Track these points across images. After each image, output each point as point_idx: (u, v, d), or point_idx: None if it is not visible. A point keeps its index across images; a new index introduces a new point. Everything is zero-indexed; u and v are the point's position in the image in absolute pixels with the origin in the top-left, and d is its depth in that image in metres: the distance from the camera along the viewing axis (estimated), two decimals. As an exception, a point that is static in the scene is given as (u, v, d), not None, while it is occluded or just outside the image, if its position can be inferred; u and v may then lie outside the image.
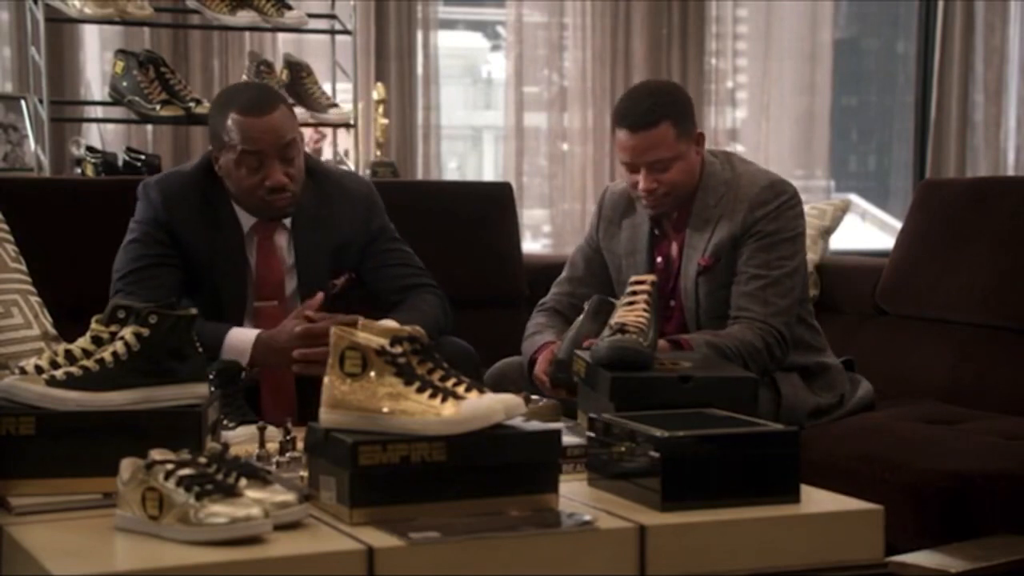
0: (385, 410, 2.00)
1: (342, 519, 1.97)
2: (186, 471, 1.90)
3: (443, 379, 2.04)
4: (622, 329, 2.64)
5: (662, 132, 3.04)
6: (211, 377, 2.42)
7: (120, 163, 4.47)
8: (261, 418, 2.80)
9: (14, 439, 2.11)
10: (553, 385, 2.95)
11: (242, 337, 2.91)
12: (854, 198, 6.45)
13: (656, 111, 3.04)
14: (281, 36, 5.13)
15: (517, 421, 2.08)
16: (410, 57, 5.45)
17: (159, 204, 3.02)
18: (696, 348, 2.93)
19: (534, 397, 2.70)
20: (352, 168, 4.61)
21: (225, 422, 2.55)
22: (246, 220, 3.05)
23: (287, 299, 3.06)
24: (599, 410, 2.34)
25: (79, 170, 4.48)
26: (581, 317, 2.89)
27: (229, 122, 2.93)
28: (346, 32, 4.71)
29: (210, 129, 3.02)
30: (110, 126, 4.90)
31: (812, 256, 3.95)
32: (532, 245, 5.67)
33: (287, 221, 3.07)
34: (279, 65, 4.63)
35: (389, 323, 2.10)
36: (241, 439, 2.50)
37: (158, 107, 4.25)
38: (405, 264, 3.17)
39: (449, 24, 5.92)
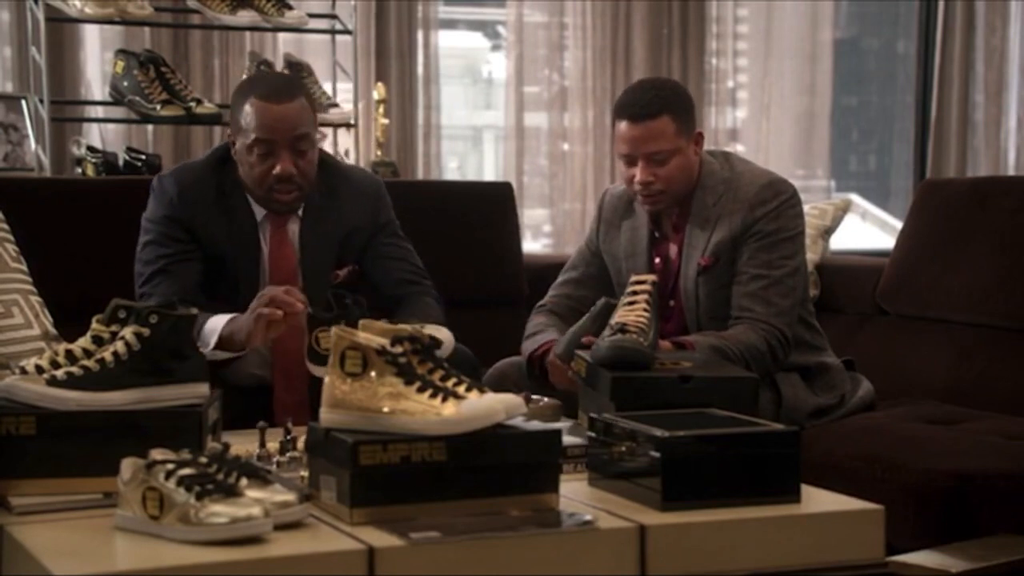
0: (386, 410, 2.00)
1: (342, 519, 1.97)
2: (186, 471, 1.90)
3: (444, 379, 2.04)
4: (622, 329, 2.64)
5: (662, 124, 3.04)
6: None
7: (121, 163, 4.47)
8: (274, 416, 2.82)
9: (14, 439, 2.11)
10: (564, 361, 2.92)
11: (221, 317, 2.90)
12: (854, 198, 6.44)
13: (658, 103, 3.04)
14: (281, 36, 5.12)
15: (517, 421, 2.08)
16: (410, 57, 5.44)
17: (175, 195, 3.04)
18: (699, 350, 2.93)
19: (535, 397, 2.71)
20: (353, 168, 4.62)
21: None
22: (259, 209, 3.08)
23: (298, 287, 3.09)
24: (599, 410, 2.34)
25: (79, 170, 4.48)
26: (584, 317, 2.89)
27: (247, 106, 2.96)
28: (346, 32, 4.71)
29: (231, 112, 3.06)
30: (110, 126, 4.89)
31: (812, 256, 3.95)
32: (532, 245, 5.67)
33: (299, 210, 3.09)
34: (279, 65, 4.63)
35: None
36: None
37: (158, 107, 4.26)
38: (404, 260, 3.20)
39: (449, 24, 5.91)
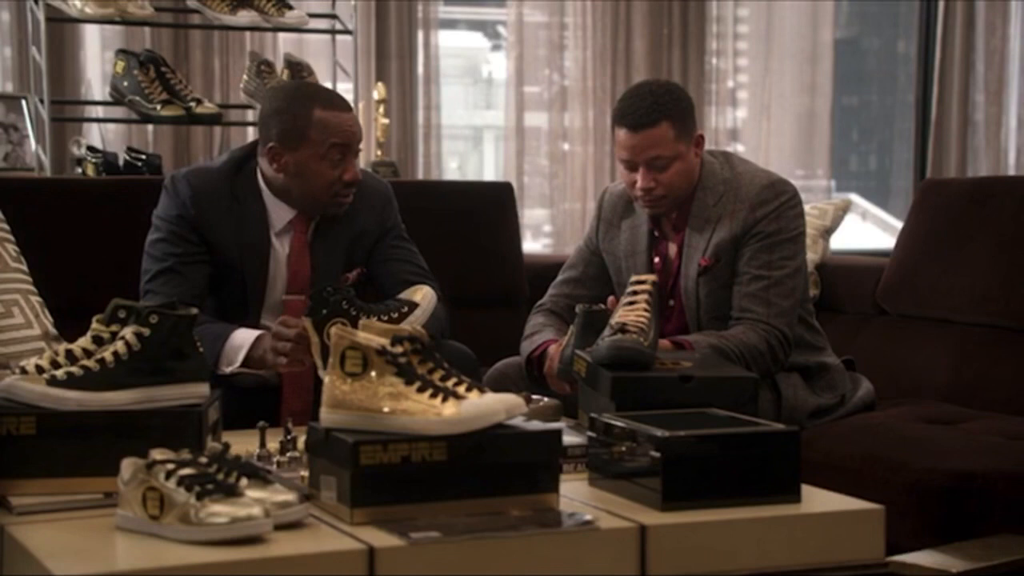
0: (386, 410, 2.00)
1: (343, 519, 1.97)
2: (187, 471, 1.90)
3: (444, 379, 2.04)
4: (622, 329, 2.64)
5: (661, 131, 3.04)
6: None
7: (121, 163, 4.47)
8: (280, 414, 2.82)
9: (15, 439, 2.11)
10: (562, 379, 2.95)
11: (245, 335, 2.94)
12: (855, 198, 6.45)
13: (656, 110, 3.04)
14: (282, 36, 5.13)
15: (518, 421, 2.08)
16: (411, 57, 5.45)
17: (188, 198, 3.04)
18: (699, 350, 2.93)
19: (535, 397, 2.71)
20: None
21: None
22: (279, 216, 3.08)
23: (308, 292, 3.10)
24: (599, 410, 2.34)
25: (80, 170, 4.48)
26: (570, 335, 2.88)
27: (316, 117, 2.97)
28: (347, 32, 4.71)
29: (280, 127, 2.99)
30: (111, 126, 4.89)
31: (813, 256, 3.95)
32: (532, 245, 5.67)
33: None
34: (280, 65, 4.63)
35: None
36: None
37: (159, 107, 4.25)
38: (409, 261, 3.21)
39: (450, 24, 5.91)
